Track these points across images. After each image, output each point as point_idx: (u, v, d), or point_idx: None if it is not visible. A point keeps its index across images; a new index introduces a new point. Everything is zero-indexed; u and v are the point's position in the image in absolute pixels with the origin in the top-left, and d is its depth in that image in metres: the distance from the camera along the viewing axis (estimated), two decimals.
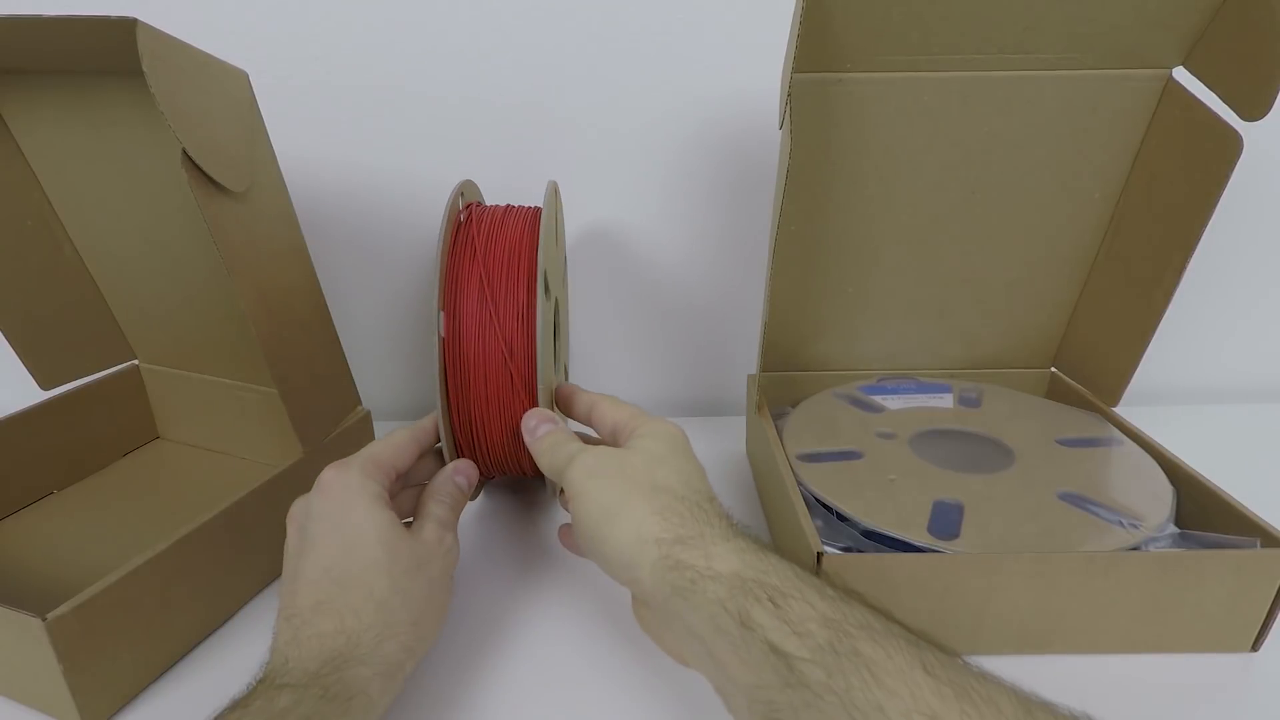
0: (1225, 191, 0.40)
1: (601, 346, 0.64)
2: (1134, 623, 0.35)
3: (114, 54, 0.35)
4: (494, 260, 0.44)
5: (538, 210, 0.48)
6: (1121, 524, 0.37)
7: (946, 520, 0.37)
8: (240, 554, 0.41)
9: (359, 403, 0.50)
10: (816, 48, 0.42)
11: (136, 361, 0.57)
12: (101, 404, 0.54)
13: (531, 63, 0.54)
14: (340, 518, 0.32)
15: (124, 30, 0.31)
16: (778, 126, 0.41)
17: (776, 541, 0.44)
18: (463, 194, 0.47)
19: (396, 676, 0.31)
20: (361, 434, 0.50)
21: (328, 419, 0.46)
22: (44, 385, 0.51)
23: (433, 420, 0.40)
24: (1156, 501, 0.38)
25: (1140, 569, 0.34)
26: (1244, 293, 0.62)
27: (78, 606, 0.32)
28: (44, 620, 0.30)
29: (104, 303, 0.53)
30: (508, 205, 0.49)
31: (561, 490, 0.36)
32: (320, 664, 0.28)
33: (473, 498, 0.49)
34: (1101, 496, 0.39)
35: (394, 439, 0.37)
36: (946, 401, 0.51)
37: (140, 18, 0.31)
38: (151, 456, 0.56)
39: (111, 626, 0.33)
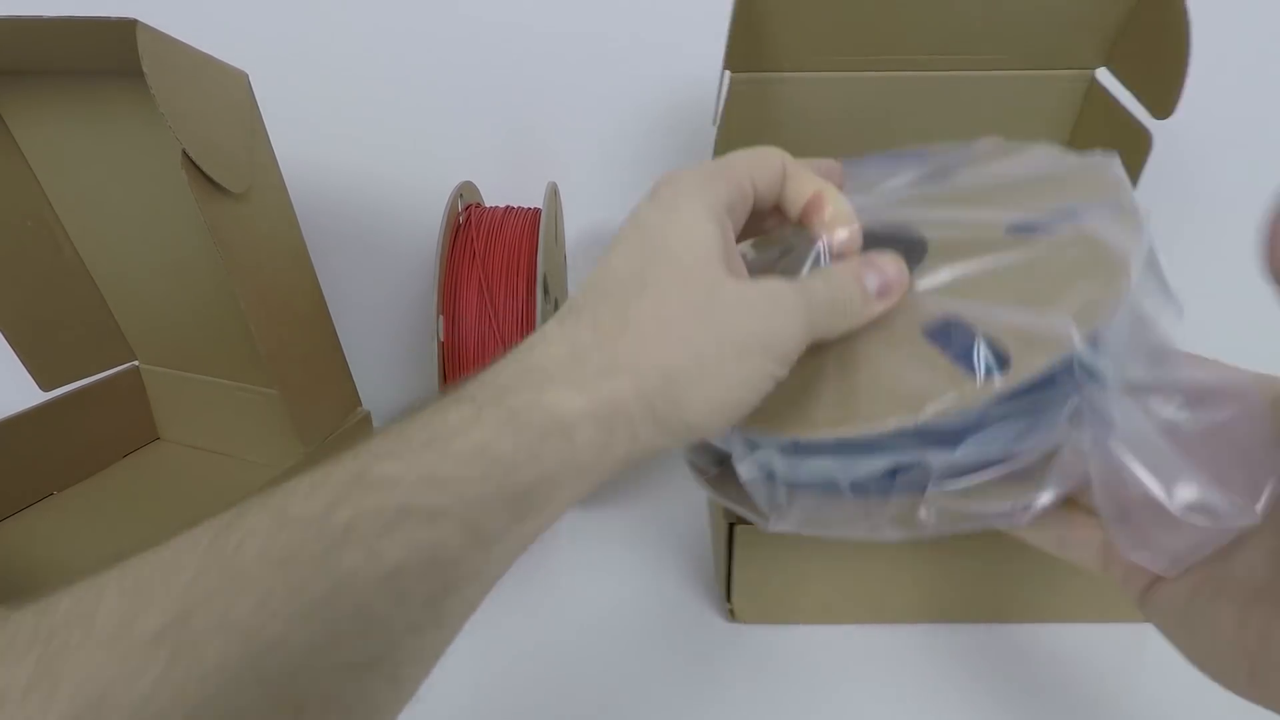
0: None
1: None
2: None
3: (114, 54, 0.35)
4: (493, 263, 0.44)
5: (537, 211, 0.48)
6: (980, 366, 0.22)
7: None
8: None
9: (359, 403, 0.50)
10: (754, 48, 0.43)
11: (136, 362, 0.57)
12: (101, 405, 0.54)
13: (531, 63, 0.54)
14: (654, 216, 0.23)
15: (124, 30, 0.31)
16: (711, 123, 0.41)
17: None
18: (461, 195, 0.47)
19: (616, 432, 0.21)
20: (361, 434, 0.49)
21: (328, 419, 0.46)
22: (44, 386, 0.51)
23: (836, 166, 0.29)
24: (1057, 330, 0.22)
25: None
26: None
27: None
28: None
29: (104, 303, 0.53)
30: (507, 206, 0.49)
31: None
32: (518, 373, 0.21)
33: None
34: (989, 320, 0.23)
35: (760, 151, 0.26)
36: (903, 180, 0.32)
37: (140, 18, 0.31)
38: (151, 457, 0.56)
39: None
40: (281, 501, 0.18)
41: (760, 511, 0.26)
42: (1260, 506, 0.19)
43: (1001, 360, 0.22)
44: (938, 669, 0.36)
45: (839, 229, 0.26)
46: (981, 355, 0.22)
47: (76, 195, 0.48)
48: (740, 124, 0.45)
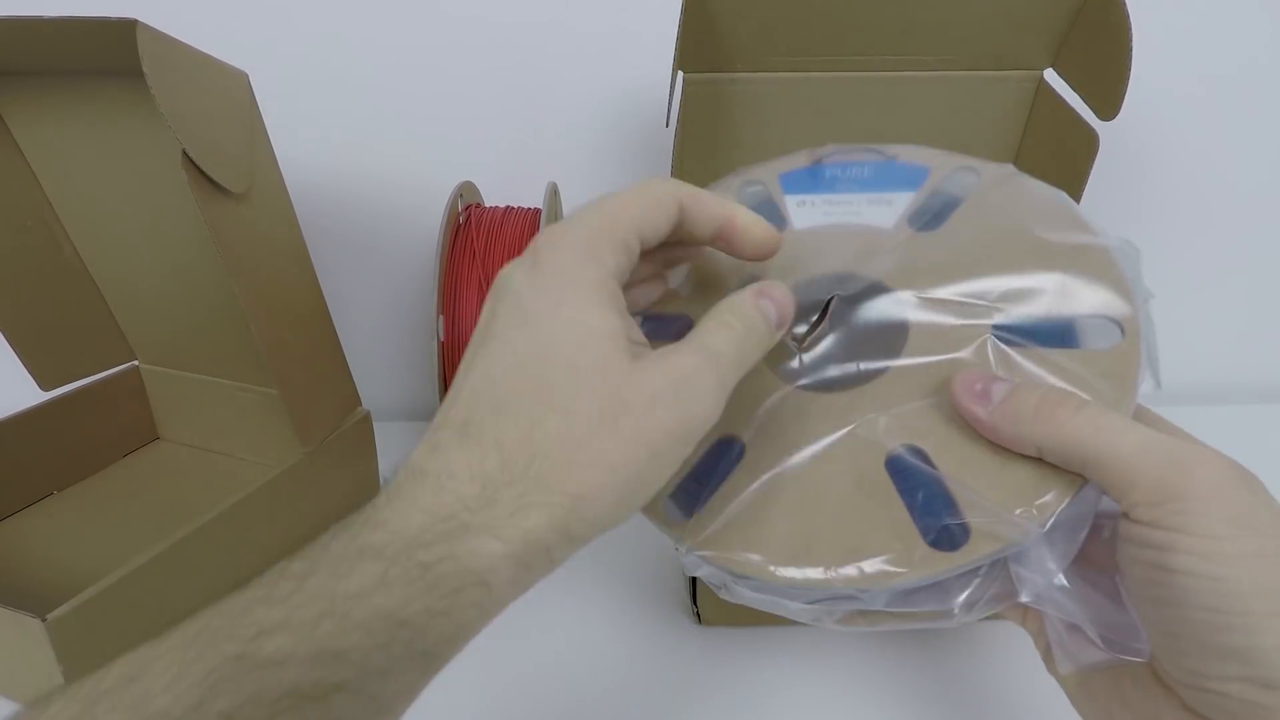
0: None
1: None
2: None
3: (114, 54, 0.35)
4: (493, 263, 0.44)
5: (537, 211, 0.48)
6: (948, 526, 0.22)
7: (704, 475, 0.26)
8: (240, 554, 0.41)
9: (359, 403, 0.50)
10: (707, 49, 0.43)
11: (136, 362, 0.57)
12: (101, 404, 0.54)
13: (532, 63, 0.54)
14: (538, 304, 0.21)
15: (124, 31, 0.31)
16: (664, 125, 0.41)
17: None
18: (461, 195, 0.47)
19: (534, 568, 0.20)
20: (361, 434, 0.50)
21: (328, 419, 0.46)
22: (44, 386, 0.51)
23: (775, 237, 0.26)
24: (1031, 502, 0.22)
25: None
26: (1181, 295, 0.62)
27: (78, 606, 0.32)
28: (44, 620, 0.30)
29: (104, 303, 0.53)
30: (507, 206, 0.49)
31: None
32: (429, 521, 0.19)
33: None
34: (959, 494, 0.23)
35: (650, 192, 0.24)
36: (892, 215, 0.31)
37: (140, 18, 0.31)
38: (151, 457, 0.56)
39: (111, 626, 0.33)
40: (141, 691, 0.16)
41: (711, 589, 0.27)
42: (1147, 649, 0.22)
43: (961, 536, 0.22)
44: (898, 664, 0.37)
45: (764, 254, 0.25)
46: (943, 529, 0.22)
47: (76, 195, 0.48)
48: (697, 125, 0.45)
